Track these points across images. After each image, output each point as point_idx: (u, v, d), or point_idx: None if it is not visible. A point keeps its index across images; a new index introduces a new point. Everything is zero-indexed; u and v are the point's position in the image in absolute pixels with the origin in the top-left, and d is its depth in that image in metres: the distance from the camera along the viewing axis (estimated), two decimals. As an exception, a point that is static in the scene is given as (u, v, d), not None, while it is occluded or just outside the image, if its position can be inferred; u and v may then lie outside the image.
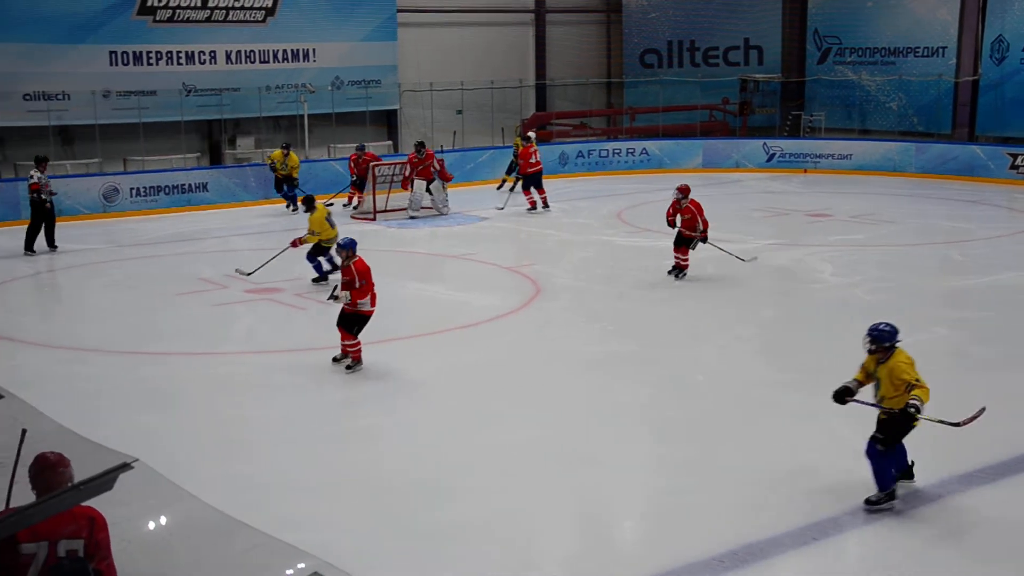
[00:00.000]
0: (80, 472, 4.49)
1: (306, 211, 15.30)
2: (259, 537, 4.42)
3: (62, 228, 18.99)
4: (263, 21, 26.45)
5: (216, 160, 26.39)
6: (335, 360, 11.30)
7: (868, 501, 7.65)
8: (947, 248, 18.60)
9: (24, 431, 4.53)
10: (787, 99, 32.21)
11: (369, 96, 28.33)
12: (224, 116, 26.26)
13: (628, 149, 29.56)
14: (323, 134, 26.92)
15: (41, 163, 18.38)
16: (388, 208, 21.91)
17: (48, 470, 4.54)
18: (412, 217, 21.61)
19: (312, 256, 15.22)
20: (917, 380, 7.52)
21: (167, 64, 25.22)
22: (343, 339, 11.17)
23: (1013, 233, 19.67)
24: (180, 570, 4.58)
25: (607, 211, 22.45)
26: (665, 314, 14.06)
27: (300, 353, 11.82)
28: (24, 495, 4.48)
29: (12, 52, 22.95)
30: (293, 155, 22.36)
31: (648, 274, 15.62)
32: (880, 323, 7.79)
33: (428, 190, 21.74)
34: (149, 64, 24.99)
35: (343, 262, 11.16)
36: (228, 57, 26.11)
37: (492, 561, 7.16)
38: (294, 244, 14.97)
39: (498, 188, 24.89)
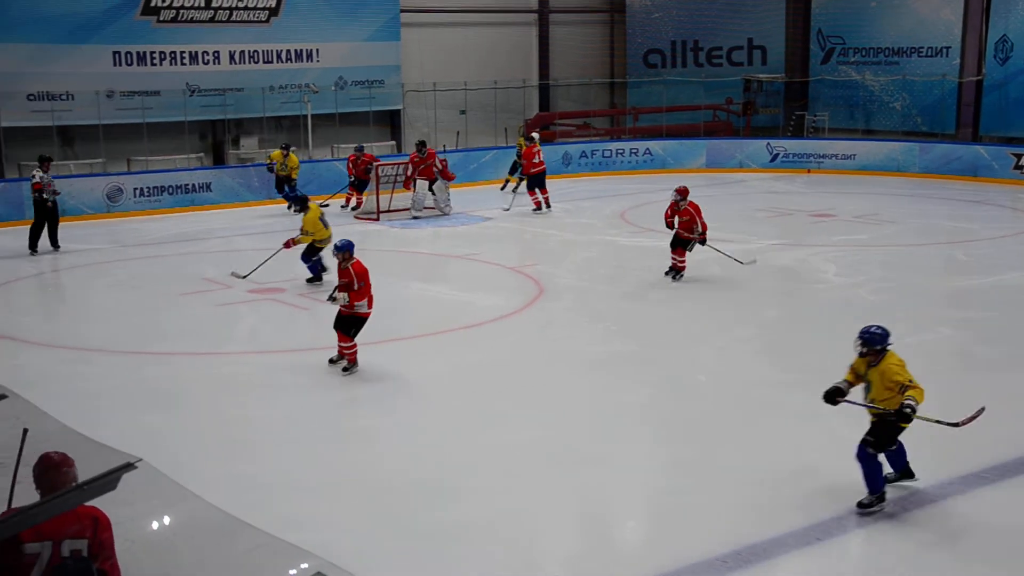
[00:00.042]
0: (84, 472, 4.50)
1: (299, 211, 15.29)
2: (262, 537, 4.43)
3: (66, 228, 19.02)
4: (267, 21, 26.47)
5: (219, 160, 26.41)
6: (331, 361, 11.29)
7: (860, 504, 7.63)
8: (951, 248, 18.58)
9: (26, 430, 4.54)
10: (791, 99, 32.16)
11: (372, 96, 28.34)
12: (228, 116, 26.28)
13: (631, 149, 29.55)
14: (326, 134, 26.93)
15: (44, 163, 18.41)
16: (391, 208, 21.91)
17: (52, 470, 4.55)
18: (415, 217, 21.60)
19: (307, 257, 15.21)
20: (910, 381, 7.49)
21: (171, 64, 25.25)
22: (340, 341, 11.15)
23: (1017, 233, 19.64)
24: (184, 570, 4.58)
25: (610, 211, 22.44)
26: (668, 314, 14.06)
27: (303, 353, 11.82)
28: (27, 495, 4.48)
29: (16, 52, 23.00)
30: (293, 156, 22.34)
31: (652, 274, 15.61)
32: (872, 325, 7.75)
33: (431, 190, 21.73)
34: (153, 64, 25.02)
35: (341, 264, 11.06)
36: (232, 57, 26.13)
37: (495, 561, 7.15)
38: (287, 245, 14.93)
39: (502, 189, 24.86)
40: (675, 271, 15.39)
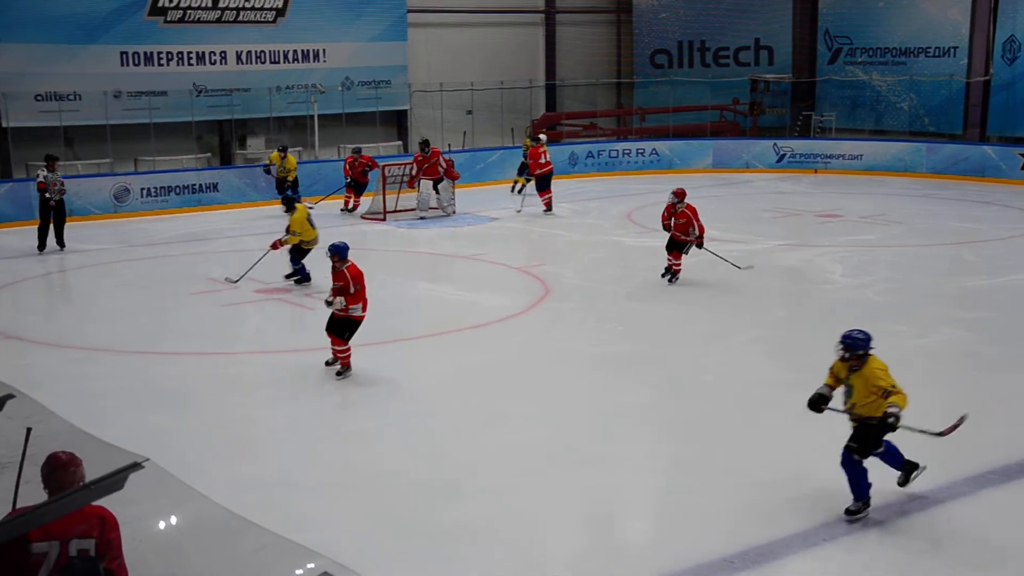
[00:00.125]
0: (91, 472, 4.51)
1: (286, 211, 15.26)
2: (268, 537, 4.43)
3: (73, 228, 19.06)
4: (273, 22, 26.50)
5: (226, 160, 26.44)
6: (328, 364, 11.23)
7: (847, 511, 7.56)
8: (958, 249, 18.55)
9: (29, 430, 4.54)
10: (798, 99, 32.15)
11: (379, 96, 28.36)
12: (234, 116, 26.31)
13: (638, 149, 29.53)
14: (333, 135, 26.94)
15: (50, 162, 18.45)
16: (398, 208, 21.92)
17: (60, 469, 4.56)
18: (421, 218, 21.61)
19: (295, 259, 15.16)
20: (893, 386, 7.40)
21: (178, 65, 25.29)
22: (334, 344, 11.06)
23: (1024, 234, 19.63)
24: (190, 569, 4.58)
25: (617, 212, 22.44)
26: (674, 314, 14.05)
27: (309, 353, 11.82)
28: (32, 494, 4.49)
29: (24, 53, 23.05)
30: (291, 157, 22.30)
31: (658, 275, 15.58)
32: (853, 330, 7.66)
33: (435, 189, 21.71)
34: (160, 65, 25.07)
35: (335, 267, 10.94)
36: (238, 58, 26.16)
37: (499, 561, 7.16)
38: (274, 246, 14.89)
39: (511, 191, 24.76)
40: (671, 273, 15.31)
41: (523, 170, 24.22)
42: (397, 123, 29.52)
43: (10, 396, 5.00)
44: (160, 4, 24.76)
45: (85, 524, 4.48)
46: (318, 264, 14.03)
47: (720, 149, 29.47)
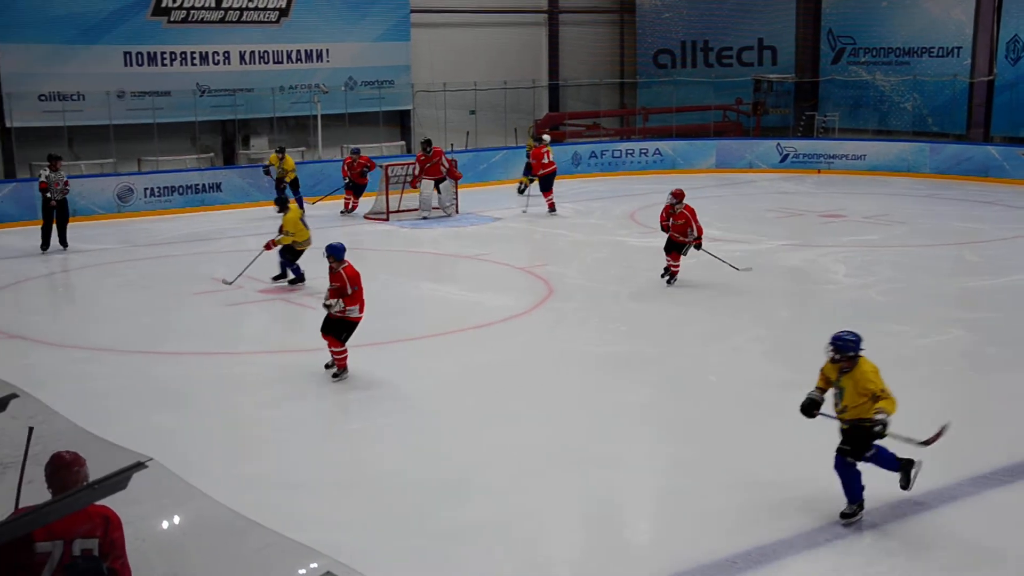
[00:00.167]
0: (95, 471, 4.51)
1: (279, 212, 15.22)
2: (271, 536, 4.43)
3: (76, 228, 19.09)
4: (277, 22, 26.52)
5: (229, 160, 26.46)
6: (328, 367, 11.13)
7: (842, 515, 7.52)
8: (961, 249, 18.54)
9: (31, 429, 4.55)
10: (801, 99, 32.14)
11: (382, 96, 28.37)
12: (238, 116, 26.33)
13: (641, 149, 29.53)
14: (336, 135, 26.95)
15: (53, 162, 18.48)
16: (401, 209, 21.93)
17: (63, 469, 4.56)
18: (424, 218, 21.61)
19: (289, 260, 15.15)
20: (883, 390, 7.32)
21: (181, 65, 25.31)
22: (331, 346, 10.93)
23: (1028, 234, 19.61)
24: (193, 569, 4.59)
25: (620, 212, 22.44)
26: (677, 315, 14.05)
27: (312, 353, 11.81)
28: (36, 494, 4.50)
29: (27, 53, 23.09)
30: (288, 158, 22.22)
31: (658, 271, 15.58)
32: (843, 331, 7.59)
33: (437, 189, 21.69)
34: (163, 64, 25.09)
35: (331, 267, 10.83)
36: (242, 58, 26.18)
37: (503, 561, 7.17)
38: (268, 246, 14.90)
39: (518, 191, 24.71)
40: (669, 275, 15.25)
41: (529, 170, 24.20)
42: (400, 123, 29.53)
43: (13, 396, 5.01)
44: (163, 4, 24.78)
45: (89, 524, 4.49)
46: (314, 264, 14.02)
47: (723, 149, 29.47)
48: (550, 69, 32.67)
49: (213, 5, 25.42)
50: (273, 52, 26.65)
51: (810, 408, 7.72)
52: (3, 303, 15.14)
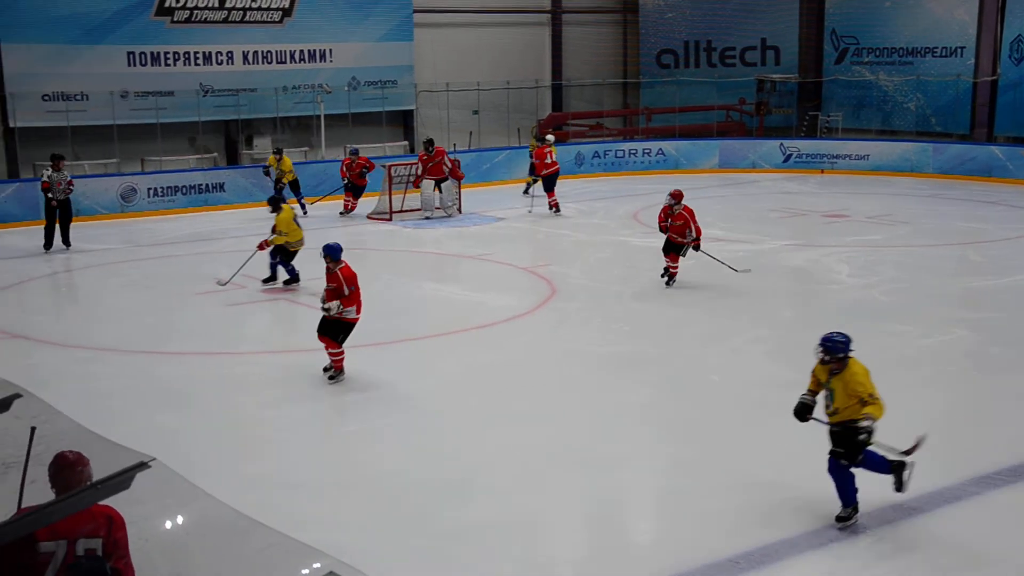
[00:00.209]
0: (98, 471, 4.52)
1: (272, 212, 15.19)
2: (274, 536, 4.44)
3: (80, 228, 19.11)
4: (280, 22, 26.53)
5: (233, 160, 26.48)
6: (326, 370, 11.02)
7: (838, 518, 7.46)
8: (964, 249, 18.52)
9: (33, 429, 4.55)
10: (804, 99, 32.10)
11: (385, 96, 28.37)
12: (241, 116, 26.34)
13: (644, 149, 29.52)
14: (339, 135, 26.96)
15: (56, 162, 18.51)
16: (404, 208, 21.93)
17: (67, 469, 4.56)
18: (427, 218, 21.61)
19: (284, 261, 15.09)
20: (871, 395, 7.25)
21: (184, 65, 25.33)
22: (328, 348, 10.81)
23: (1031, 234, 19.59)
24: (197, 569, 4.59)
25: (623, 212, 22.43)
26: (680, 315, 14.04)
27: (315, 353, 11.79)
28: (39, 494, 4.50)
29: (31, 53, 23.11)
30: (287, 159, 22.14)
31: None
32: (833, 332, 7.53)
33: (438, 188, 21.66)
34: (167, 65, 25.11)
35: (328, 268, 10.72)
36: (245, 58, 26.20)
37: (504, 561, 7.16)
38: (261, 247, 14.88)
39: (524, 192, 24.69)
40: (668, 276, 15.15)
41: (533, 170, 24.16)
42: (403, 123, 29.54)
43: (17, 395, 5.02)
44: (167, 4, 24.81)
45: (92, 523, 4.49)
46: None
47: (726, 149, 29.45)
48: (553, 69, 32.66)
49: (216, 5, 25.45)
50: (276, 52, 26.67)
51: (802, 412, 7.67)
52: (7, 303, 15.16)
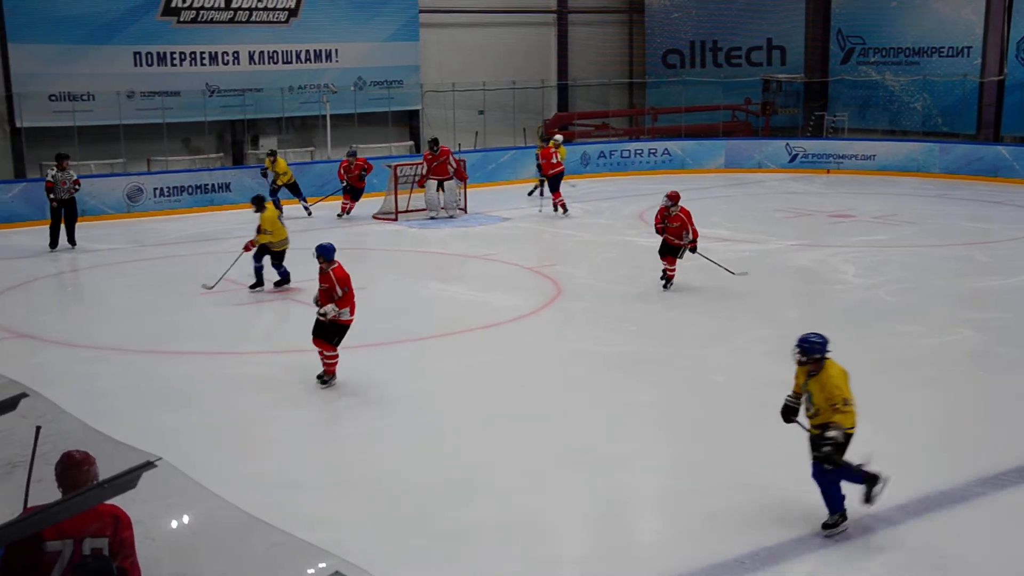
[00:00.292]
0: (104, 470, 4.53)
1: (256, 211, 15.15)
2: (279, 536, 4.44)
3: (86, 228, 19.15)
4: (286, 22, 26.57)
5: (239, 160, 26.51)
6: (319, 377, 10.84)
7: (824, 526, 7.35)
8: (970, 249, 18.49)
9: (39, 428, 4.56)
10: (810, 99, 32.08)
11: (391, 96, 28.40)
12: (247, 116, 26.38)
13: (650, 149, 29.51)
14: (345, 135, 26.94)
15: (61, 161, 18.54)
16: (409, 208, 21.93)
17: (73, 468, 4.57)
18: (432, 218, 21.61)
19: (276, 263, 15.01)
20: (845, 401, 7.14)
21: (191, 65, 25.38)
22: (324, 351, 10.68)
23: (1038, 234, 19.55)
24: (202, 568, 4.59)
25: (629, 212, 22.43)
26: (686, 315, 14.03)
27: (317, 353, 11.84)
28: (43, 493, 4.51)
29: (38, 53, 23.17)
30: (281, 161, 21.97)
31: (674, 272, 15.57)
32: (810, 333, 7.41)
33: (441, 188, 21.65)
34: (173, 65, 25.16)
35: (321, 268, 10.58)
36: (251, 58, 26.24)
37: (509, 561, 7.16)
38: (247, 248, 14.85)
39: (530, 193, 24.67)
40: (666, 279, 14.97)
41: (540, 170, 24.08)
42: (409, 123, 29.56)
43: (23, 395, 5.02)
44: (173, 4, 24.85)
45: (98, 522, 4.50)
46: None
47: (732, 149, 29.43)
48: (559, 69, 32.66)
49: (222, 5, 25.49)
50: (282, 52, 26.71)
51: (786, 414, 7.60)
52: (13, 302, 15.18)
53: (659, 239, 14.91)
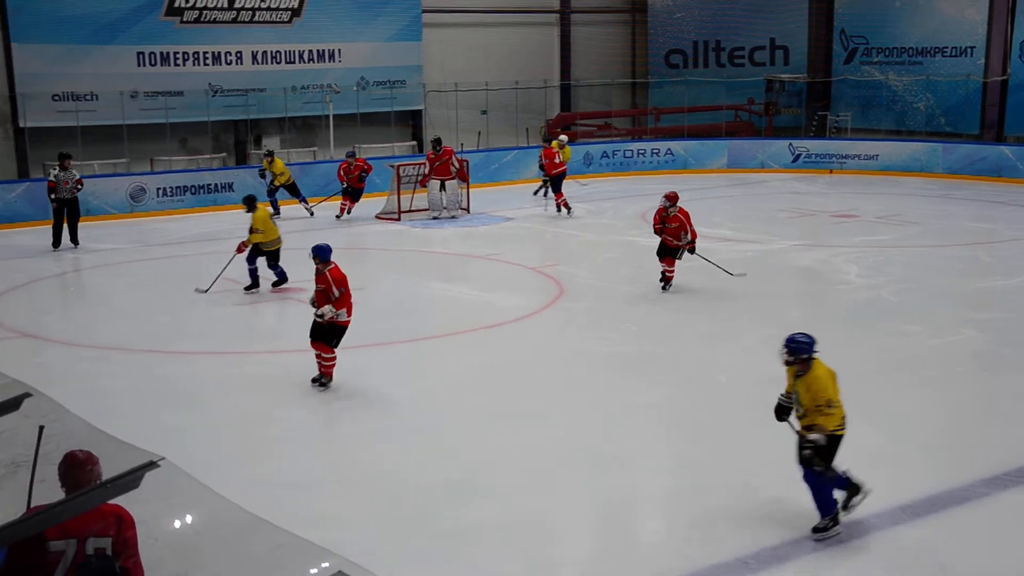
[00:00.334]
0: (107, 470, 4.53)
1: (248, 211, 15.12)
2: (283, 536, 4.44)
3: (89, 228, 19.16)
4: (289, 22, 26.57)
5: (242, 160, 26.52)
6: (314, 381, 10.77)
7: (815, 529, 7.28)
8: (974, 249, 18.47)
9: (42, 428, 4.57)
10: (813, 99, 32.07)
11: (394, 96, 28.40)
12: (250, 116, 26.39)
13: (653, 149, 29.50)
14: (348, 135, 26.94)
15: (63, 161, 18.55)
16: (412, 208, 21.94)
17: (77, 468, 4.58)
18: (435, 218, 21.62)
19: (271, 263, 14.99)
20: (829, 403, 7.11)
21: (194, 65, 25.39)
22: (323, 352, 10.61)
23: (1041, 234, 19.53)
24: (205, 568, 4.60)
25: (632, 212, 22.42)
26: (689, 315, 14.02)
27: (324, 353, 11.86)
28: (46, 493, 4.52)
29: (41, 53, 23.19)
30: (278, 161, 21.93)
31: (674, 274, 15.56)
32: (797, 333, 7.37)
33: (442, 189, 21.65)
34: (176, 65, 25.17)
35: (317, 269, 10.53)
36: (254, 58, 26.25)
37: (511, 562, 7.16)
38: (239, 249, 14.83)
39: (535, 193, 24.68)
40: (665, 280, 14.85)
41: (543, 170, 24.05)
42: (412, 123, 29.56)
43: (27, 395, 5.03)
44: (176, 4, 24.86)
45: (102, 522, 4.50)
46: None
47: (735, 149, 29.41)
48: (562, 69, 32.66)
49: (225, 5, 25.50)
50: (285, 52, 26.71)
51: (779, 413, 7.54)
52: (16, 302, 15.19)
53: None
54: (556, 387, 10.89)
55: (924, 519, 7.65)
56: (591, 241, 19.37)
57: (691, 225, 14.52)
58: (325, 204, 22.41)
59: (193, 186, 23.13)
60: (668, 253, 14.75)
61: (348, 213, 21.93)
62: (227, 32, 25.71)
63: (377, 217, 21.87)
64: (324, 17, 27.06)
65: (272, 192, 21.67)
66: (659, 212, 14.69)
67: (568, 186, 22.28)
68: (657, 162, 29.15)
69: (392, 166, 22.31)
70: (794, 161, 28.85)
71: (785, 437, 9.18)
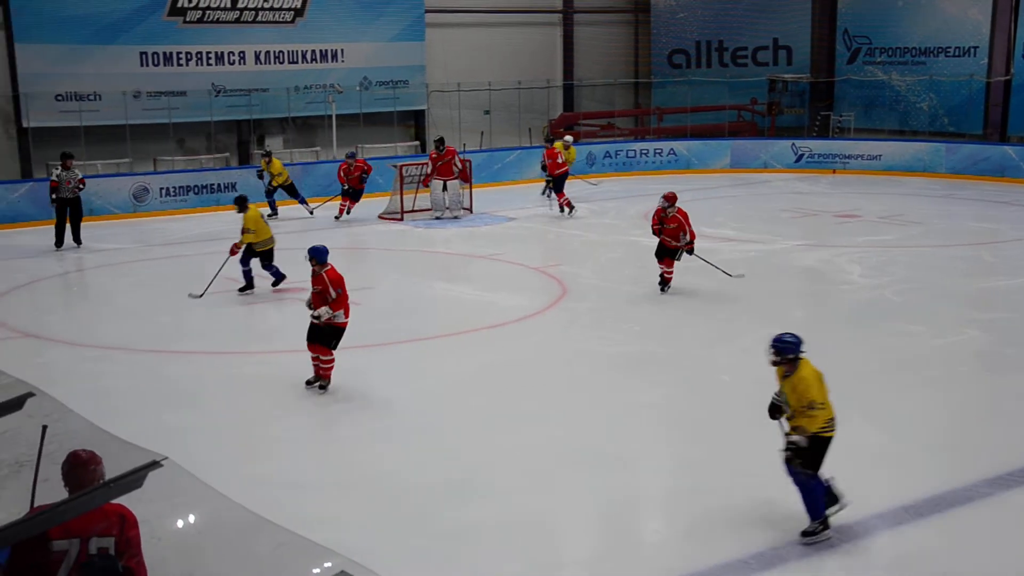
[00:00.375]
0: (110, 470, 4.54)
1: (239, 212, 15.10)
2: (285, 535, 4.45)
3: (92, 228, 19.17)
4: (292, 22, 26.58)
5: (244, 160, 26.53)
6: (310, 382, 10.75)
7: (803, 533, 7.23)
8: (977, 249, 18.45)
9: (45, 427, 4.57)
10: (816, 99, 32.03)
11: (397, 96, 28.41)
12: (253, 116, 26.39)
13: (656, 149, 29.49)
14: (350, 134, 26.95)
15: (65, 160, 18.56)
16: (415, 208, 21.94)
17: (80, 467, 4.58)
18: (437, 218, 21.61)
19: (266, 264, 14.98)
20: (812, 404, 7.07)
21: (197, 65, 25.40)
22: (321, 355, 10.57)
23: (1044, 234, 19.51)
24: (208, 568, 4.61)
25: (634, 212, 22.39)
26: (691, 315, 14.02)
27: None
28: (50, 492, 4.52)
29: (44, 53, 23.20)
30: (276, 161, 21.86)
31: (675, 275, 15.56)
32: (784, 333, 7.34)
33: (445, 188, 21.66)
34: (179, 65, 25.18)
35: (313, 270, 10.50)
36: (257, 58, 26.25)
37: (509, 562, 7.16)
38: (232, 251, 14.81)
39: (542, 193, 24.67)
40: (664, 282, 14.75)
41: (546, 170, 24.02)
42: (415, 123, 29.56)
43: (30, 394, 5.04)
44: (179, 4, 24.87)
45: (105, 522, 4.51)
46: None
47: (738, 149, 29.39)
48: (564, 69, 32.64)
49: (228, 5, 25.51)
50: (288, 52, 26.72)
51: (772, 412, 7.51)
52: (19, 302, 15.21)
53: (664, 239, 14.82)
54: (557, 387, 10.89)
55: (927, 519, 7.64)
56: (594, 241, 19.37)
57: (690, 226, 14.41)
58: (326, 204, 22.40)
59: (196, 186, 23.14)
60: (666, 254, 14.65)
61: (347, 213, 21.84)
62: (230, 32, 25.72)
63: (380, 217, 21.87)
64: (327, 17, 27.06)
65: (270, 193, 21.65)
66: (657, 213, 14.57)
67: (580, 186, 22.25)
68: (660, 162, 29.14)
69: (395, 166, 22.31)
70: (797, 161, 28.84)
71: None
